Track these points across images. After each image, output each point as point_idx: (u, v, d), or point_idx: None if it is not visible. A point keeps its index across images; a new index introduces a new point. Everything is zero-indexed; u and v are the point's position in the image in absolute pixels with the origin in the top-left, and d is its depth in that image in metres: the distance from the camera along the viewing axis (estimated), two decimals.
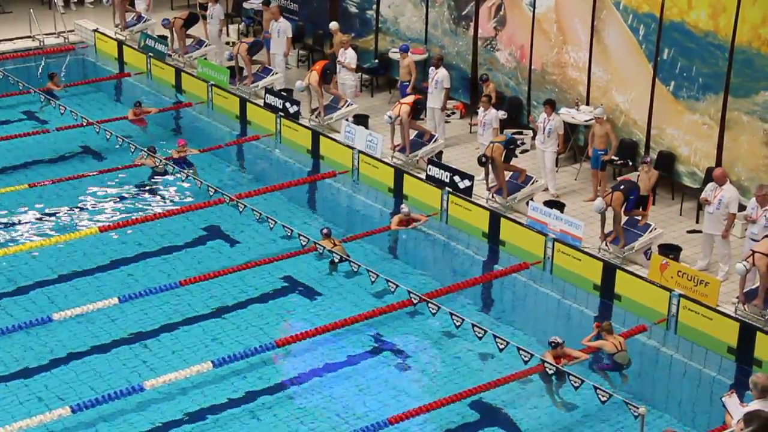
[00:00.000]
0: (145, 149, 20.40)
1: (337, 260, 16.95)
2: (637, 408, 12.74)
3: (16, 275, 17.09)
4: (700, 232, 17.49)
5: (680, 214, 18.83)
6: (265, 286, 16.93)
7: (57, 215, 19.03)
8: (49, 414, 13.36)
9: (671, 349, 15.54)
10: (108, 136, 20.72)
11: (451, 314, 14.72)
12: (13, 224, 18.67)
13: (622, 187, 16.95)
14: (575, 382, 13.43)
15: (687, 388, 15.34)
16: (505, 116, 21.64)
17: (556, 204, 18.63)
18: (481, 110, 20.32)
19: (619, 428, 13.74)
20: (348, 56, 23.09)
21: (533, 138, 20.82)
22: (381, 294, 16.36)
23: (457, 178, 19.28)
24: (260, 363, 14.91)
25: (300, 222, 18.56)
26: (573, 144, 20.85)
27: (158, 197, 19.93)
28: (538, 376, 14.52)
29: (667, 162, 19.13)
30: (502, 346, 14.12)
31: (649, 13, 19.14)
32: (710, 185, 16.95)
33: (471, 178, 19.17)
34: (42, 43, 27.00)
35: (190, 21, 25.33)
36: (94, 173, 20.34)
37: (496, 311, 16.75)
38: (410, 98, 20.65)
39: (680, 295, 15.85)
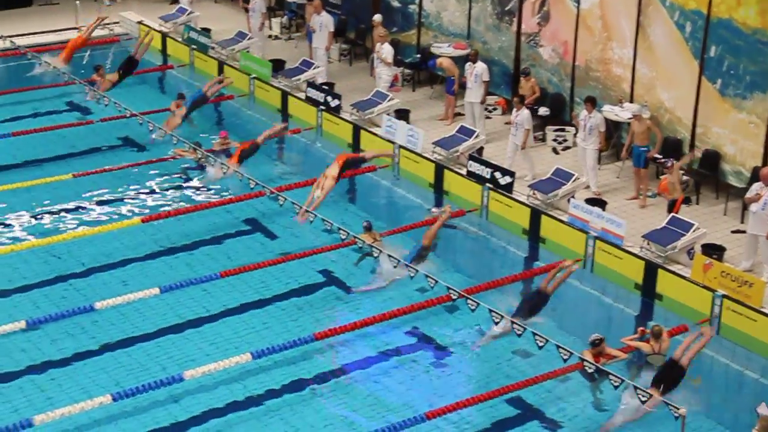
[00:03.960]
0: (189, 142, 20.50)
1: (376, 254, 16.94)
2: (678, 409, 12.61)
3: (59, 264, 17.25)
4: (745, 232, 17.27)
5: (724, 214, 18.61)
6: (305, 279, 16.97)
7: (99, 205, 19.18)
8: (90, 402, 13.48)
9: (713, 350, 15.36)
10: (151, 128, 20.85)
11: (490, 311, 14.66)
12: (57, 213, 18.85)
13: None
14: (615, 381, 13.33)
15: (728, 390, 15.17)
16: (548, 113, 21.53)
17: (597, 202, 18.49)
18: (513, 111, 20.22)
19: (658, 429, 13.60)
20: (385, 50, 23.07)
21: (575, 135, 20.68)
22: (420, 289, 16.32)
23: (497, 174, 19.19)
24: (299, 356, 14.94)
25: (340, 216, 18.57)
26: (616, 142, 20.67)
27: (199, 189, 20.02)
28: (578, 374, 14.41)
29: (712, 161, 18.91)
30: (541, 344, 14.04)
31: (696, 9, 18.92)
32: (756, 185, 16.74)
33: (512, 174, 19.07)
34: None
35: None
36: (137, 164, 20.48)
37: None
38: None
39: (723, 296, 15.68)
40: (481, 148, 20.75)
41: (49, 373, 14.54)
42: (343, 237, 16.84)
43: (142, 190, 19.79)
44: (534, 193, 18.93)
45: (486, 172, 19.40)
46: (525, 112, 19.95)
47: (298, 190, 19.14)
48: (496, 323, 14.82)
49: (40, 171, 20.34)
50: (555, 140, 21.41)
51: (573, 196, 18.65)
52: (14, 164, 20.71)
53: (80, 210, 19.00)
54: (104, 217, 18.70)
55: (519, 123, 19.91)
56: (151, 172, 20.47)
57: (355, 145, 21.80)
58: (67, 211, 18.94)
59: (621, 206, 18.87)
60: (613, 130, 20.47)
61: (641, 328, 15.02)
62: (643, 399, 13.15)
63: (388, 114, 21.96)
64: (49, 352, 15.00)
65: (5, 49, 25.25)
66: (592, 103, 19.53)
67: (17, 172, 20.25)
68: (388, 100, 22.38)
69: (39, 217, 18.72)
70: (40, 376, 14.46)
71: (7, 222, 18.47)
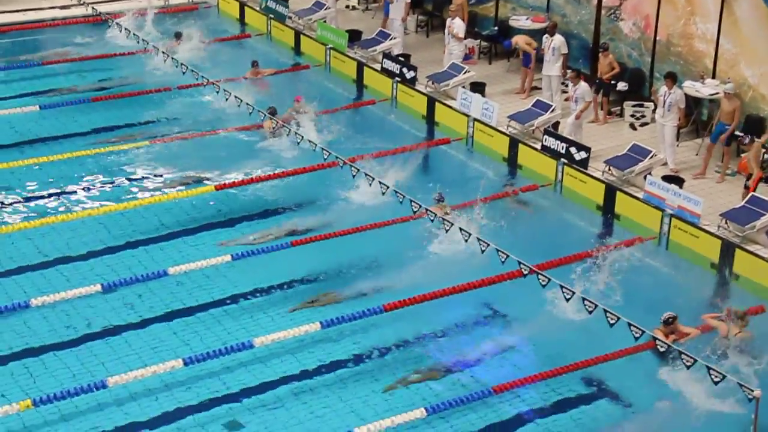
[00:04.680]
0: (265, 111, 20.58)
1: (447, 227, 16.84)
2: (752, 391, 12.35)
3: (132, 228, 17.49)
4: None
5: None
6: (375, 251, 16.94)
7: (174, 172, 19.38)
8: (162, 365, 13.70)
9: None
10: (227, 96, 20.97)
11: (561, 287, 14.49)
12: (133, 180, 19.10)
13: None
14: (687, 361, 13.09)
15: None
16: (627, 88, 21.16)
17: (675, 179, 18.14)
18: (570, 85, 19.91)
19: (731, 411, 13.35)
20: (456, 25, 22.85)
21: (654, 111, 20.30)
22: (491, 263, 16.19)
23: (573, 150, 18.94)
24: (368, 326, 14.97)
25: (412, 188, 18.46)
26: (696, 118, 20.23)
27: (274, 158, 20.10)
28: (649, 353, 14.21)
29: None
30: (612, 321, 13.84)
31: None
32: None
33: (587, 149, 18.80)
34: (167, 2, 27.48)
35: None
36: (212, 132, 20.63)
37: (608, 286, 16.38)
38: None
39: None
40: (557, 123, 20.49)
41: (124, 335, 14.77)
42: (415, 209, 16.77)
43: (216, 159, 19.91)
44: (609, 169, 18.64)
45: (561, 147, 19.15)
46: (583, 85, 19.67)
47: (373, 162, 19.09)
48: (567, 300, 14.65)
49: (117, 135, 20.63)
50: (633, 116, 21.04)
51: (650, 173, 18.32)
52: (92, 130, 20.99)
53: (155, 176, 19.22)
54: (179, 184, 18.90)
55: (579, 97, 19.64)
56: (226, 140, 20.60)
57: (429, 117, 21.69)
58: (143, 177, 19.18)
59: (698, 184, 18.49)
60: (694, 106, 20.04)
61: (729, 308, 14.69)
62: (716, 380, 12.90)
63: (463, 87, 21.79)
64: (125, 314, 15.24)
65: (87, 15, 25.60)
66: (672, 78, 19.13)
67: (94, 137, 20.55)
68: (464, 73, 22.20)
69: (116, 182, 19.00)
70: (114, 338, 14.71)
71: (87, 186, 18.76)
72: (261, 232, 17.39)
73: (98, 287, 15.37)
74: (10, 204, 18.03)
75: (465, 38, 23.30)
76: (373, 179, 17.45)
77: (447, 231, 16.79)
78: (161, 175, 19.26)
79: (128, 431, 12.94)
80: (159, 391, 13.62)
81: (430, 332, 15.06)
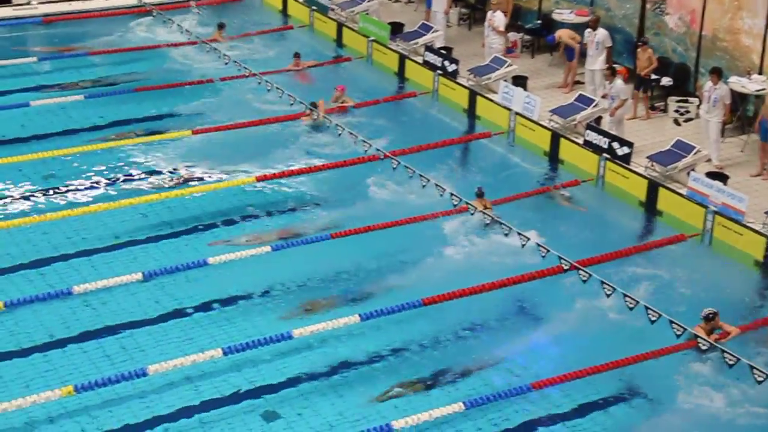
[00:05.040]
0: (307, 103, 20.61)
1: (488, 222, 16.80)
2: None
3: (187, 214, 17.62)
4: None
5: None
6: (415, 245, 16.89)
7: (216, 162, 19.45)
8: (202, 354, 13.79)
9: None
10: (269, 88, 21.05)
11: (603, 283, 14.41)
12: (175, 170, 19.19)
13: None
14: (730, 359, 12.95)
15: None
16: (671, 83, 20.95)
17: (718, 176, 17.93)
18: (606, 83, 19.76)
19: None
20: (497, 19, 22.74)
21: (698, 107, 20.07)
22: (531, 258, 16.12)
23: (615, 145, 18.78)
24: (406, 319, 14.95)
25: (452, 181, 18.44)
26: (741, 114, 19.98)
27: (314, 150, 20.12)
28: (691, 351, 14.06)
29: None
30: (653, 318, 13.74)
31: None
32: None
33: (630, 145, 18.64)
34: None
35: None
36: (254, 123, 20.68)
37: (650, 282, 16.26)
38: None
39: None
40: (599, 117, 20.34)
41: (163, 326, 14.87)
42: (455, 203, 16.75)
43: (257, 150, 19.96)
44: (652, 165, 18.47)
45: (603, 142, 19.01)
46: (618, 83, 19.50)
47: (412, 155, 19.09)
48: (608, 296, 14.55)
49: (159, 126, 20.77)
50: (677, 111, 20.82)
51: (693, 169, 18.13)
52: (133, 119, 21.15)
53: (196, 167, 19.30)
54: (219, 174, 18.99)
55: (614, 95, 19.47)
56: (267, 132, 20.66)
57: (471, 111, 21.61)
58: (186, 167, 19.28)
59: (743, 181, 18.26)
60: (739, 102, 19.79)
61: None
62: (760, 379, 12.75)
63: (505, 80, 21.69)
64: (166, 303, 15.35)
65: (132, 6, 25.76)
66: (717, 74, 18.91)
67: (137, 127, 20.71)
68: (506, 66, 22.10)
69: (158, 172, 19.12)
70: (153, 327, 14.82)
71: (129, 177, 18.91)
72: (299, 225, 17.44)
73: (139, 275, 15.48)
74: (55, 191, 18.20)
75: (507, 32, 23.18)
76: (414, 172, 17.44)
77: (487, 225, 16.75)
78: (202, 166, 19.34)
79: (166, 420, 13.01)
80: (197, 379, 13.71)
81: (468, 327, 15.00)
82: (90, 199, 17.96)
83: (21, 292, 15.17)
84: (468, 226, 17.28)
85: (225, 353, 13.83)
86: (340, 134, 19.17)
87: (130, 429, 12.81)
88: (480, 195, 17.36)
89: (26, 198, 17.94)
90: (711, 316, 13.92)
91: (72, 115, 21.11)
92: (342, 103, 20.99)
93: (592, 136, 19.24)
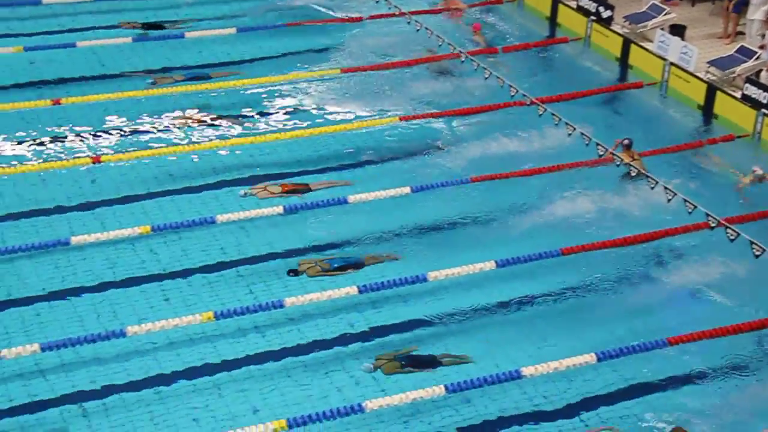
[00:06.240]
0: (453, 44, 20.37)
1: (633, 173, 16.33)
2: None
3: (318, 154, 17.75)
4: None
5: None
6: (556, 194, 16.56)
7: (360, 101, 19.44)
8: (338, 291, 13.91)
9: None
10: (418, 28, 20.84)
11: (751, 242, 13.84)
12: (320, 108, 19.28)
13: None
14: None
15: None
16: None
17: None
18: (766, 34, 18.74)
19: None
20: None
21: None
22: (677, 213, 15.61)
23: None
24: (543, 268, 14.71)
25: (599, 131, 17.95)
26: None
27: (460, 92, 19.87)
28: None
29: None
30: None
31: None
32: None
33: None
34: None
35: None
36: (400, 64, 20.55)
37: None
38: None
39: None
40: (760, 71, 19.41)
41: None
42: (601, 153, 16.33)
43: (396, 90, 19.87)
44: None
45: (763, 97, 18.16)
46: None
47: (559, 103, 18.67)
48: (757, 256, 13.97)
49: (306, 61, 20.90)
50: None
51: None
52: (282, 54, 21.25)
53: (341, 105, 19.33)
54: (366, 113, 19.01)
55: None
56: (407, 73, 20.50)
57: (623, 59, 20.96)
58: (331, 105, 19.35)
59: None
60: None
61: None
62: None
63: (662, 29, 20.92)
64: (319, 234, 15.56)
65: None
66: None
67: (285, 61, 20.84)
68: (665, 14, 21.33)
69: (303, 108, 19.25)
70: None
71: (273, 111, 19.13)
72: (439, 166, 17.32)
73: (280, 208, 15.71)
74: (203, 122, 18.55)
75: None
76: (560, 120, 17.07)
77: (632, 177, 16.29)
78: (348, 104, 19.40)
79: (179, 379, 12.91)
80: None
81: (606, 279, 14.70)
82: (235, 133, 18.21)
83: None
84: (612, 177, 16.84)
85: (360, 291, 13.93)
86: (486, 78, 18.88)
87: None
88: (628, 146, 16.88)
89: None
90: None
91: (225, 48, 21.39)
92: (480, 41, 20.63)
93: (752, 90, 18.41)
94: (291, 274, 14.42)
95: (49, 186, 16.31)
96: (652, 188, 15.63)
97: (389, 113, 18.97)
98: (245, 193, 16.21)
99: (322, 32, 22.17)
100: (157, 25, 21.94)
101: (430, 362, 12.94)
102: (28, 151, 17.23)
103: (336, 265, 14.63)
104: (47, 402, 12.17)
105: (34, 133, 17.75)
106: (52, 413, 12.03)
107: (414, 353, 13.08)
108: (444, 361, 12.98)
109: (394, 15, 21.71)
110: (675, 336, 13.14)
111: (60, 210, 15.75)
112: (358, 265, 14.73)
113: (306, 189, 16.39)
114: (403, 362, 12.86)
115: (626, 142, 16.97)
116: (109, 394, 12.32)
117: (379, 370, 12.76)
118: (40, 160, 16.85)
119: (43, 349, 12.58)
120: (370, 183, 16.78)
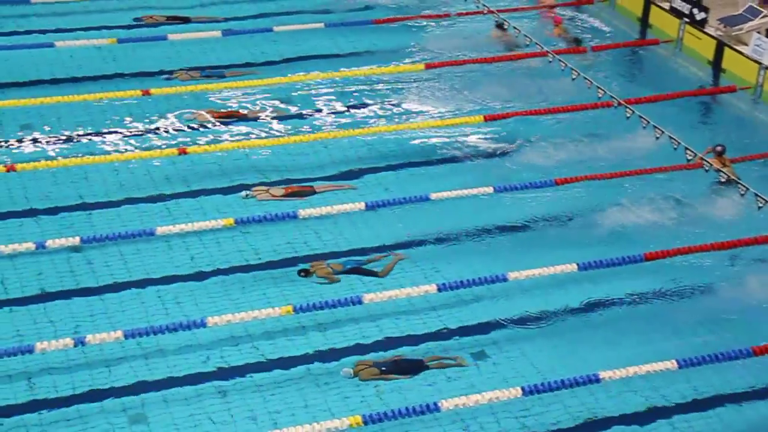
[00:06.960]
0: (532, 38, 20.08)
1: (723, 179, 15.97)
2: None
3: (398, 151, 17.70)
4: None
5: None
6: (640, 197, 16.27)
7: (443, 98, 19.33)
8: (417, 288, 13.94)
9: None
10: (506, 27, 20.68)
11: None
12: (405, 103, 19.23)
13: None
14: None
15: None
16: None
17: None
18: None
19: None
20: None
21: None
22: (765, 222, 15.23)
23: None
24: (626, 273, 14.46)
25: (688, 135, 17.58)
26: None
27: (546, 92, 19.62)
28: None
29: None
30: None
31: None
32: None
33: None
34: None
35: None
36: (487, 60, 20.40)
37: None
38: None
39: None
40: None
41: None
42: (689, 157, 16.01)
43: (482, 88, 19.73)
44: None
45: None
46: None
47: (648, 105, 18.35)
48: None
49: (392, 57, 20.88)
50: None
51: None
52: (366, 51, 21.27)
53: (425, 102, 19.27)
54: (448, 111, 18.92)
55: None
56: (500, 69, 20.36)
57: (716, 63, 20.50)
58: (417, 102, 19.31)
59: None
60: None
61: None
62: None
63: (758, 32, 20.42)
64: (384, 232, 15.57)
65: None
66: None
67: (369, 58, 20.88)
68: (762, 18, 20.79)
69: (389, 105, 19.24)
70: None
71: (355, 104, 19.13)
72: (522, 166, 17.12)
73: (362, 205, 15.75)
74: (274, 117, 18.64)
75: None
76: (648, 123, 16.78)
77: (722, 183, 15.95)
78: (431, 101, 19.31)
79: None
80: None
81: (690, 286, 14.42)
82: (308, 128, 18.24)
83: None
84: (701, 183, 16.48)
85: (439, 290, 13.88)
86: (574, 78, 18.65)
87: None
88: (720, 153, 16.49)
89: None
90: None
91: (312, 44, 21.46)
92: (564, 35, 20.45)
93: None
94: (302, 274, 14.32)
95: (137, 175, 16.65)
96: (743, 195, 15.28)
97: (474, 112, 18.81)
98: (246, 195, 16.09)
99: (409, 29, 22.10)
100: (184, 18, 21.84)
101: (415, 367, 12.73)
102: (119, 141, 17.59)
103: (349, 266, 14.51)
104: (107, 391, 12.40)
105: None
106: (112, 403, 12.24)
107: (400, 359, 12.83)
108: (431, 365, 12.80)
109: (483, 12, 21.55)
110: (760, 345, 12.84)
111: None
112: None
113: (311, 192, 16.29)
114: (383, 368, 12.63)
115: (719, 149, 16.58)
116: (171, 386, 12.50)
117: (356, 376, 12.54)
118: (133, 150, 17.15)
119: (126, 337, 12.83)
120: (449, 180, 16.65)
